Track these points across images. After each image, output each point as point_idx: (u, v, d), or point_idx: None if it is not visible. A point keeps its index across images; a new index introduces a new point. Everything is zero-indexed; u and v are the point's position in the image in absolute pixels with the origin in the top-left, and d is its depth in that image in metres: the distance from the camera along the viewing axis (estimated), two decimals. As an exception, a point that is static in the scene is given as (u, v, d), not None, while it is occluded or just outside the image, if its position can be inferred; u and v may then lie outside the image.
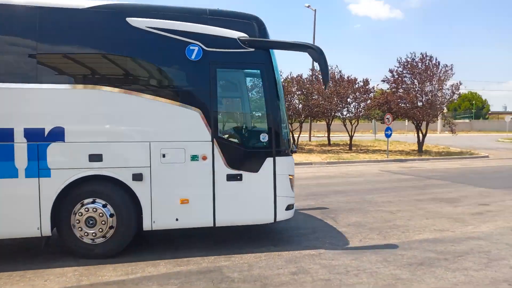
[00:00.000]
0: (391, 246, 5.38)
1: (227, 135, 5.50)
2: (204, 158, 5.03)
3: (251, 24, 5.34)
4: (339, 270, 4.50)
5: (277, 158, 5.23)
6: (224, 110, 5.71)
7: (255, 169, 5.20)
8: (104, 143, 4.82)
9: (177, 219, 5.00)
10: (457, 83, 20.30)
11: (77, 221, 4.77)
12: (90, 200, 4.80)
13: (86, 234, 4.77)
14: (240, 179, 5.15)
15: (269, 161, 5.21)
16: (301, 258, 4.90)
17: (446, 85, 19.83)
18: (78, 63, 4.95)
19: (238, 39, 5.16)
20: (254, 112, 5.95)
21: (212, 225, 5.12)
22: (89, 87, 4.86)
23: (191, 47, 5.02)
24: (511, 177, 12.39)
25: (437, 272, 4.43)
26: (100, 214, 4.78)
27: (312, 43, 5.35)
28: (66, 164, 4.71)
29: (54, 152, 4.66)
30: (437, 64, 19.62)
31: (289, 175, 5.37)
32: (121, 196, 4.87)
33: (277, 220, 5.30)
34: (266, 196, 5.23)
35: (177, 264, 4.68)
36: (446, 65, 19.67)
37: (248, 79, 6.03)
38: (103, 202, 4.82)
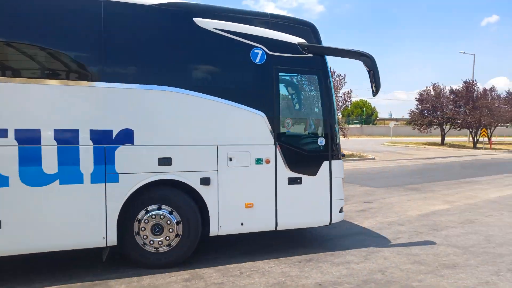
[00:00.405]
0: (284, 246, 5.61)
1: (288, 139, 5.35)
2: (268, 161, 5.07)
3: (308, 30, 5.49)
4: (233, 273, 4.54)
5: (332, 161, 5.41)
6: (285, 114, 5.51)
7: (314, 173, 5.31)
8: (173, 146, 4.65)
9: (242, 224, 4.96)
10: (348, 91, 22.27)
11: (142, 229, 4.53)
12: (156, 206, 4.60)
13: (151, 242, 4.57)
14: (300, 183, 5.22)
15: (325, 164, 5.37)
16: (194, 263, 4.83)
17: (339, 93, 21.56)
18: (145, 62, 4.68)
19: (298, 44, 5.29)
20: (311, 117, 5.99)
21: (274, 228, 5.14)
22: (157, 88, 4.60)
23: (256, 51, 5.06)
24: (392, 177, 13.91)
25: (323, 267, 4.74)
26: (168, 222, 4.60)
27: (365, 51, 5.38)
28: (135, 168, 4.45)
29: (122, 156, 4.39)
30: (332, 73, 21.29)
31: (342, 178, 5.56)
32: (187, 202, 4.72)
33: (332, 222, 5.45)
34: (323, 199, 5.37)
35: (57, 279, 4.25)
36: (340, 75, 21.59)
37: (305, 84, 6.07)
38: (169, 209, 4.64)
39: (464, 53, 40.35)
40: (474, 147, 33.15)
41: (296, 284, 4.24)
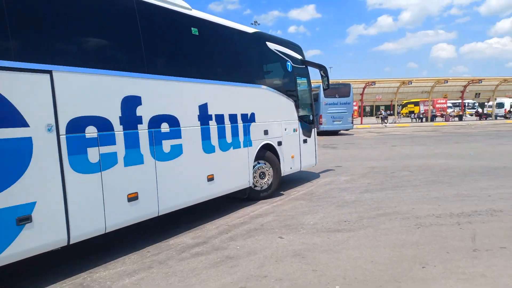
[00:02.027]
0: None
1: (301, 117, 8.32)
2: (296, 130, 8.13)
3: (299, 49, 8.65)
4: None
5: (314, 129, 8.88)
6: (300, 102, 8.34)
7: (310, 136, 8.67)
8: (268, 123, 7.22)
9: (290, 168, 7.95)
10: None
11: (254, 175, 6.97)
12: (258, 161, 7.08)
13: (259, 183, 7.14)
14: (306, 142, 8.51)
15: (313, 131, 8.88)
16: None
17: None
18: (253, 71, 7.10)
19: (301, 59, 8.55)
20: (307, 103, 8.74)
21: (299, 170, 8.39)
22: (258, 88, 7.06)
23: (288, 63, 8.01)
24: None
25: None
26: (267, 169, 7.23)
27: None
28: (257, 137, 6.86)
29: (252, 129, 6.72)
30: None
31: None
32: (272, 156, 7.36)
33: (315, 164, 9.11)
34: (313, 151, 8.89)
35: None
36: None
37: (304, 83, 8.69)
38: (264, 161, 7.19)
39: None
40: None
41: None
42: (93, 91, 4.13)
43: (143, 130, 4.64)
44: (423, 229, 5.12)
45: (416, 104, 46.98)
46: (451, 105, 51.77)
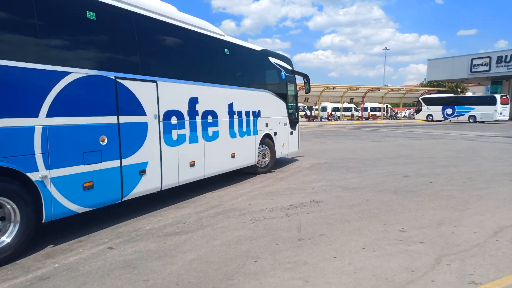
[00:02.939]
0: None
1: (289, 114, 10.67)
2: (286, 124, 10.45)
3: (290, 61, 10.86)
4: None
5: (297, 124, 11.27)
6: (289, 103, 10.65)
7: (295, 129, 11.04)
8: (268, 118, 9.49)
9: (281, 152, 10.25)
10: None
11: (258, 156, 9.20)
12: (261, 145, 9.36)
13: (260, 161, 9.40)
14: (292, 133, 10.89)
15: (298, 125, 11.26)
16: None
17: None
18: (258, 79, 9.43)
19: (291, 69, 10.79)
20: (293, 104, 11.07)
21: (287, 155, 10.91)
22: (263, 91, 9.39)
23: (282, 72, 10.27)
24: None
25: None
26: (267, 151, 9.57)
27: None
28: (260, 128, 9.15)
29: (258, 122, 9.04)
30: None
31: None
32: (270, 143, 9.69)
33: (298, 151, 11.66)
34: (297, 141, 11.28)
35: None
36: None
37: (292, 89, 10.93)
38: (264, 146, 9.48)
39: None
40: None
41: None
42: (175, 93, 6.31)
43: (198, 120, 6.85)
44: (257, 223, 5.35)
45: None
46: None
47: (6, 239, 4.02)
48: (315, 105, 51.74)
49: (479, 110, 40.09)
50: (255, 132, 8.90)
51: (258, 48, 9.43)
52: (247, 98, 8.56)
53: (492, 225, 5.26)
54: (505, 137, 20.80)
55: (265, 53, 9.67)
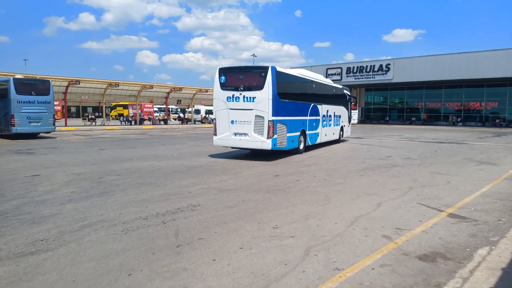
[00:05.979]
0: None
1: (348, 117, 22.87)
2: (347, 122, 22.61)
3: (349, 90, 23.91)
4: None
5: (350, 122, 24.88)
6: (348, 112, 22.72)
7: (349, 125, 23.69)
8: (341, 118, 20.96)
9: (345, 136, 22.71)
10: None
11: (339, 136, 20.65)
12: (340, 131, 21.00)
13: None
14: (348, 127, 23.27)
15: (350, 123, 25.07)
16: None
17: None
18: (341, 100, 21.11)
19: (349, 94, 23.27)
20: (350, 112, 24.04)
21: (347, 137, 23.76)
22: (341, 106, 20.84)
23: (347, 96, 22.28)
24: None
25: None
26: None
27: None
28: (339, 123, 20.51)
29: (339, 120, 20.40)
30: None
31: None
32: (342, 129, 21.14)
33: (349, 135, 24.66)
34: (350, 131, 24.42)
35: None
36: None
37: (347, 104, 22.94)
38: (340, 132, 20.75)
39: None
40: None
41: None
42: (323, 108, 17.42)
43: (321, 118, 17.06)
44: (130, 233, 4.99)
45: (125, 107, 47.85)
46: (157, 109, 56.20)
47: (301, 147, 14.92)
48: (188, 107, 51.50)
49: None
50: (338, 124, 19.95)
51: (340, 86, 21.14)
52: (337, 109, 19.49)
53: (349, 215, 5.96)
54: (353, 138, 24.04)
55: (342, 88, 21.03)
